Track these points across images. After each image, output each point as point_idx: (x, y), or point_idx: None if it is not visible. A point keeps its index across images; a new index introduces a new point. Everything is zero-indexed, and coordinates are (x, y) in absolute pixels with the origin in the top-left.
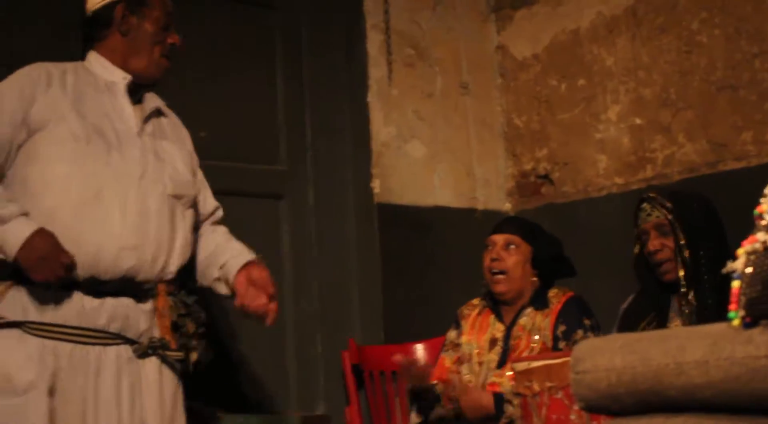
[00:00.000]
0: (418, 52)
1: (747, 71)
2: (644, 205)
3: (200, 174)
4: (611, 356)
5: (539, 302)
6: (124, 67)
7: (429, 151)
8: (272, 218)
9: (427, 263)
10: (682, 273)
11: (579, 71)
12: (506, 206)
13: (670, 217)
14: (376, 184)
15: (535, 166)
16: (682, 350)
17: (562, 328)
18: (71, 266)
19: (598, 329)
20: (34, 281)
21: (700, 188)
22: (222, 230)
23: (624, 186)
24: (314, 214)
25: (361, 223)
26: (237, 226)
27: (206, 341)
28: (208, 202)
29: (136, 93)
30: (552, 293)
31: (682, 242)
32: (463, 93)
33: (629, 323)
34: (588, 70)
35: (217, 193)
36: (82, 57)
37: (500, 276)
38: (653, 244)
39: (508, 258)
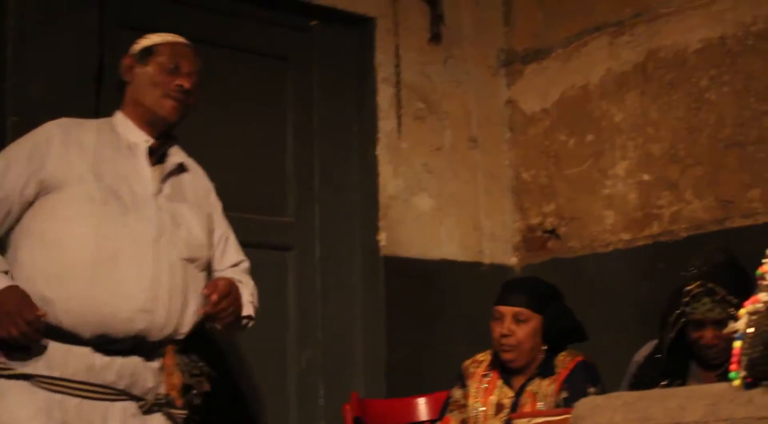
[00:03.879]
0: (428, 106)
1: (755, 129)
2: (706, 299)
3: (221, 231)
4: (612, 415)
5: (546, 369)
6: (140, 115)
7: (436, 204)
8: (279, 269)
9: (432, 316)
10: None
11: (588, 127)
12: (512, 261)
13: (734, 312)
14: (382, 237)
15: (542, 220)
16: (682, 410)
17: (564, 395)
18: (37, 322)
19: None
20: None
21: (706, 245)
22: (233, 271)
23: (630, 242)
24: (321, 265)
25: (367, 275)
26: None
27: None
28: (228, 257)
29: (159, 150)
30: (560, 357)
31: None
32: (472, 147)
33: (648, 380)
34: (597, 125)
35: None
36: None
37: (509, 347)
38: (710, 340)
39: (518, 331)
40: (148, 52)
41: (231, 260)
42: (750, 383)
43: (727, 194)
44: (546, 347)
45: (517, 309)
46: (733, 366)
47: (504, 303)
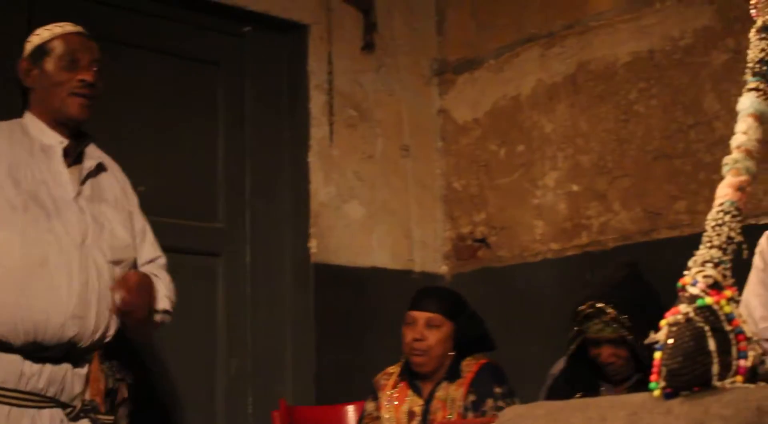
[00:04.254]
0: (360, 114)
1: (682, 142)
2: (596, 319)
3: (139, 226)
4: None
5: (453, 373)
6: (50, 117)
7: (368, 212)
8: (209, 275)
9: (362, 323)
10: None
11: (518, 137)
12: (443, 269)
13: (627, 334)
14: (313, 244)
15: (472, 229)
16: (603, 420)
17: (471, 398)
18: None
19: (511, 396)
20: None
21: (635, 255)
22: (149, 266)
23: (559, 252)
24: (251, 272)
25: (297, 282)
26: (173, 282)
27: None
28: (145, 252)
29: (74, 150)
30: (465, 362)
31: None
32: (404, 155)
33: (563, 393)
34: (527, 136)
35: None
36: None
37: (420, 352)
38: (606, 357)
39: (430, 336)
40: (42, 51)
41: (147, 256)
42: (669, 394)
43: (654, 206)
44: (453, 354)
45: (430, 315)
46: (653, 377)
47: (418, 308)
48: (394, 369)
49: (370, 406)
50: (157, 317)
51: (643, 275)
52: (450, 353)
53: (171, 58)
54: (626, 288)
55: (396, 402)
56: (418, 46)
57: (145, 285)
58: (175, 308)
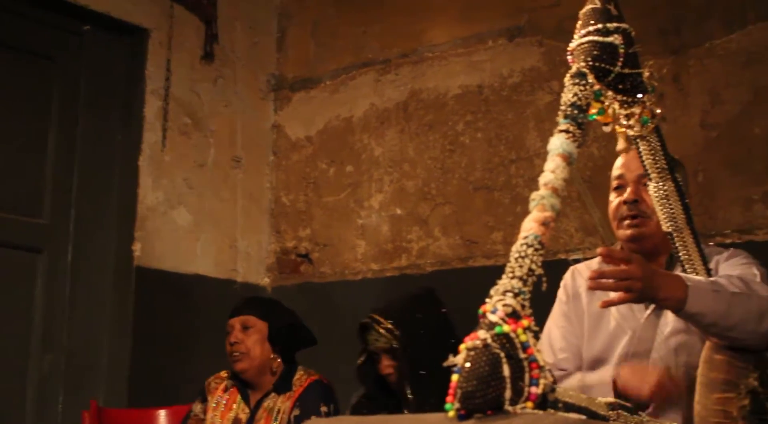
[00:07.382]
0: (194, 122)
1: (503, 175)
2: (373, 331)
3: None
4: None
5: (283, 385)
6: None
7: (194, 220)
8: (28, 271)
9: (181, 330)
10: (409, 391)
11: (348, 157)
12: (265, 281)
13: (396, 344)
14: (137, 247)
15: (297, 244)
16: None
17: (296, 412)
18: None
19: (336, 416)
20: None
21: (450, 281)
22: None
23: (379, 272)
24: (72, 270)
25: (119, 284)
26: None
27: None
28: None
29: None
30: (297, 375)
31: (406, 363)
32: (235, 166)
33: (366, 411)
34: (357, 157)
35: None
36: None
37: (239, 355)
38: (384, 369)
39: (247, 339)
40: None
41: None
42: (463, 415)
43: (472, 234)
44: (279, 359)
45: (243, 317)
46: (448, 398)
47: (233, 315)
48: (227, 375)
49: (197, 407)
50: None
51: (437, 299)
52: (273, 357)
53: (5, 50)
54: (410, 306)
55: (223, 408)
56: (257, 60)
57: None
58: None
